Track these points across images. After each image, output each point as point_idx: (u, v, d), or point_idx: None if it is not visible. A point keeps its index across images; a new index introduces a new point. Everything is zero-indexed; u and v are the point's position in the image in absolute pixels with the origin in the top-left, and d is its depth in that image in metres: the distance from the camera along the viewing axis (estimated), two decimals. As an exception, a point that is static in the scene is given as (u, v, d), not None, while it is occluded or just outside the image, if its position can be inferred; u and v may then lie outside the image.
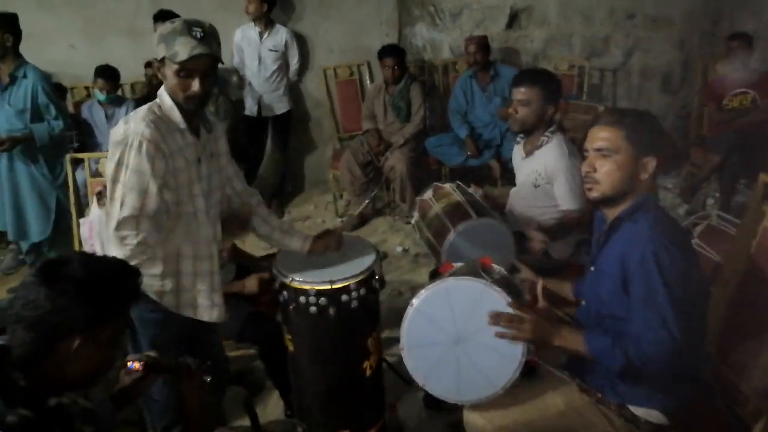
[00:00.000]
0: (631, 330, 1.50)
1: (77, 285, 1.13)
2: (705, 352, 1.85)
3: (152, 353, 1.40)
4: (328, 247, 2.11)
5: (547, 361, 1.68)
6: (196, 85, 1.70)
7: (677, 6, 4.66)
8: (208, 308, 1.88)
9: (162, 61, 1.71)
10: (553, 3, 4.71)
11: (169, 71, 1.70)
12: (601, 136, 1.62)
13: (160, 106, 1.76)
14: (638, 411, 1.62)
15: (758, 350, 1.71)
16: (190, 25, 1.67)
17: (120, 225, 1.69)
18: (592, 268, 1.74)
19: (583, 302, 1.80)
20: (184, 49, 1.65)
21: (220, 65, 1.78)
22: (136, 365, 1.35)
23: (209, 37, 1.70)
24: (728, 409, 1.80)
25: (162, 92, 1.77)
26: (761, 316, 1.72)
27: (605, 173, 1.60)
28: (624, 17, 4.72)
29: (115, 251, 1.70)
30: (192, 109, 1.76)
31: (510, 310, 1.57)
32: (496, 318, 1.56)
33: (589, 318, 1.73)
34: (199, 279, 1.85)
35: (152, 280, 1.77)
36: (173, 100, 1.74)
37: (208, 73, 1.72)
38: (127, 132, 1.68)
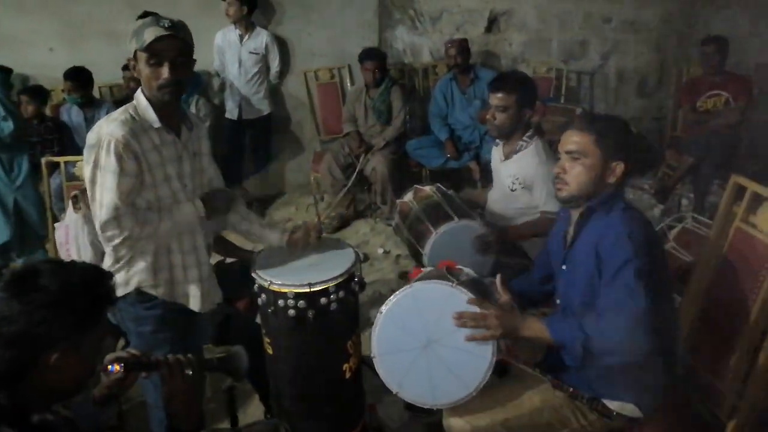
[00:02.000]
0: (600, 305, 1.52)
1: (52, 296, 1.10)
2: (679, 350, 1.89)
3: (130, 352, 1.39)
4: (307, 239, 2.11)
5: (520, 359, 1.69)
6: (165, 72, 1.70)
7: (653, 10, 4.75)
8: (199, 298, 1.91)
9: (135, 56, 1.74)
10: (531, 8, 4.78)
11: (142, 63, 1.72)
12: (572, 140, 1.67)
13: (135, 107, 1.79)
14: (612, 405, 1.65)
15: (731, 349, 1.74)
16: (158, 18, 1.72)
17: (103, 226, 1.72)
18: (564, 267, 1.77)
19: (558, 302, 1.82)
20: (151, 34, 1.68)
21: (201, 68, 1.79)
22: (116, 367, 1.34)
23: (178, 26, 1.73)
24: (704, 407, 1.84)
25: (138, 93, 1.80)
26: (733, 316, 1.76)
27: (574, 175, 1.65)
28: (601, 21, 4.80)
29: (90, 256, 1.70)
30: (166, 101, 1.76)
31: (472, 308, 1.58)
32: (460, 318, 1.57)
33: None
34: (189, 270, 1.89)
35: (144, 275, 1.82)
36: (148, 98, 1.77)
37: (178, 61, 1.73)
38: (100, 134, 1.71)
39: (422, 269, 2.05)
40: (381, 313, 1.69)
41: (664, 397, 1.69)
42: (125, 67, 4.12)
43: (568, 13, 4.79)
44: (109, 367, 1.33)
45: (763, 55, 4.83)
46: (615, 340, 1.45)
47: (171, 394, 1.37)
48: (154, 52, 1.69)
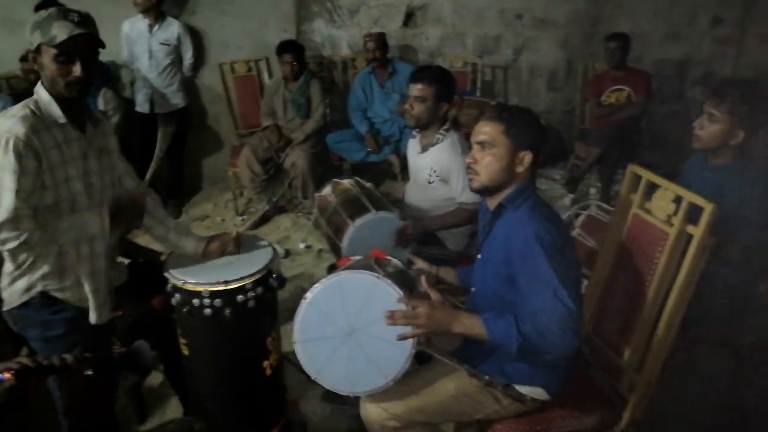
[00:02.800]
0: (526, 308, 1.54)
1: None
2: (584, 331, 2.00)
3: (21, 359, 1.31)
4: (224, 248, 2.06)
5: (437, 349, 1.73)
6: (78, 69, 1.64)
7: (561, 8, 4.96)
8: (93, 310, 1.83)
9: (38, 50, 1.65)
10: (447, 3, 4.86)
11: (47, 58, 1.64)
12: (482, 131, 1.71)
13: (36, 102, 1.69)
14: (524, 389, 1.73)
15: (630, 328, 1.85)
16: (65, 11, 1.65)
17: (0, 228, 1.61)
18: (480, 256, 1.83)
19: (473, 289, 1.88)
20: (62, 31, 1.60)
21: (108, 59, 1.72)
22: (6, 375, 1.26)
23: (86, 20, 1.67)
24: (606, 383, 1.95)
25: (39, 88, 1.71)
26: (632, 296, 1.87)
27: (485, 165, 1.70)
28: (513, 17, 4.95)
29: None
30: (74, 97, 1.69)
31: (401, 306, 1.59)
32: (392, 317, 1.56)
33: (479, 305, 1.81)
34: (85, 280, 1.80)
35: (49, 278, 1.74)
36: (51, 93, 1.68)
37: (90, 57, 1.67)
38: None
39: (351, 259, 2.05)
40: (305, 299, 1.69)
41: (570, 378, 1.79)
42: (23, 58, 3.86)
43: (483, 9, 4.91)
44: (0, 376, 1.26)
45: (660, 50, 5.16)
46: (548, 340, 1.47)
47: (72, 399, 1.30)
48: (65, 49, 1.62)
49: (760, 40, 5.16)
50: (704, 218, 1.65)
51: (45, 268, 1.73)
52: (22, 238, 1.62)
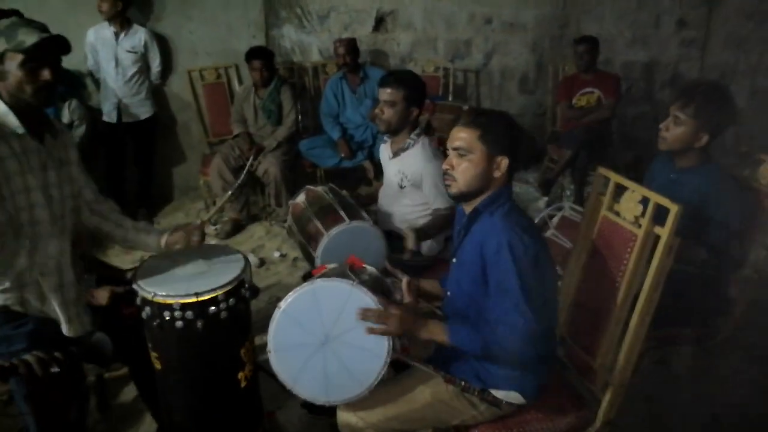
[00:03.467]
0: (489, 317, 1.59)
1: None
2: (558, 334, 2.01)
3: None
4: (188, 239, 2.00)
5: (413, 357, 1.73)
6: (47, 74, 1.63)
7: (529, 12, 5.02)
8: (65, 323, 1.80)
9: (0, 59, 1.61)
10: (417, 8, 4.89)
11: (13, 65, 1.61)
12: (458, 137, 1.71)
13: None
14: (499, 394, 1.73)
15: (602, 329, 1.87)
16: (27, 20, 1.65)
17: None
18: (455, 260, 1.83)
19: (448, 293, 1.88)
20: (30, 36, 1.59)
21: (74, 68, 1.71)
22: None
23: (47, 29, 1.66)
24: (581, 385, 1.96)
25: None
26: (603, 297, 1.88)
27: (462, 171, 1.69)
28: (483, 22, 5.00)
29: None
30: (41, 103, 1.68)
31: (378, 307, 1.61)
32: (364, 314, 1.60)
33: (454, 308, 1.81)
34: (51, 295, 1.77)
35: (8, 294, 1.71)
36: (10, 102, 1.65)
37: (56, 62, 1.67)
38: None
39: (326, 266, 2.03)
40: (279, 308, 1.67)
41: (546, 382, 1.80)
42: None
43: (453, 14, 4.95)
44: None
45: (628, 53, 5.26)
46: (508, 350, 1.55)
47: (37, 398, 1.27)
48: (34, 54, 1.60)
49: (724, 41, 5.30)
50: (670, 219, 1.68)
51: (4, 284, 1.70)
52: None
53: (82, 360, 1.48)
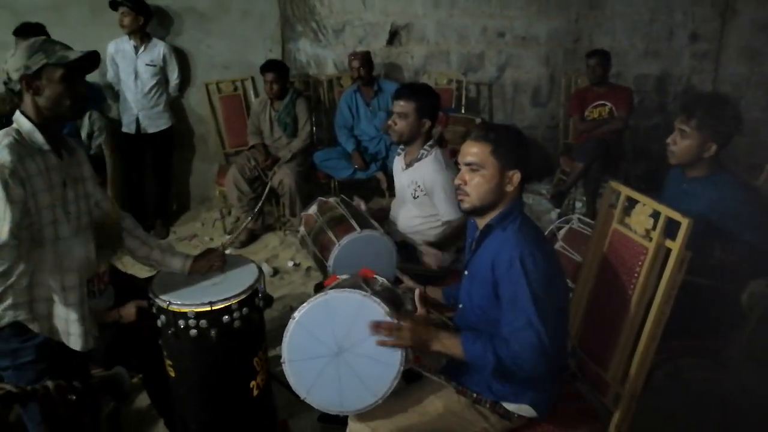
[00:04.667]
0: (501, 332, 1.60)
1: None
2: (569, 346, 2.01)
3: (5, 385, 1.30)
4: (212, 266, 2.08)
5: (425, 367, 1.74)
6: (82, 87, 1.72)
7: (542, 26, 5.05)
8: (80, 336, 1.81)
9: (37, 73, 1.66)
10: (431, 22, 4.93)
11: (53, 79, 1.67)
12: (470, 152, 1.72)
13: (18, 130, 1.69)
14: (511, 407, 1.73)
15: (613, 342, 1.87)
16: (53, 39, 1.74)
17: None
18: (466, 273, 1.84)
19: (460, 306, 1.89)
20: (71, 52, 1.68)
21: (94, 80, 1.78)
22: None
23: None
24: (593, 397, 1.96)
25: (18, 116, 1.71)
26: (614, 310, 1.89)
27: (474, 186, 1.71)
28: (496, 35, 5.03)
29: None
30: (76, 115, 1.77)
31: (389, 320, 1.62)
32: (376, 327, 1.60)
33: (466, 321, 1.83)
34: (71, 309, 1.78)
35: (18, 310, 1.71)
36: (32, 121, 1.69)
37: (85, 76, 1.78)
38: None
39: (338, 277, 2.06)
40: (293, 319, 1.69)
41: (557, 395, 1.80)
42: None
43: (466, 28, 4.99)
44: None
45: (639, 66, 5.26)
46: (521, 365, 1.55)
47: (52, 425, 1.30)
48: (74, 69, 1.68)
49: (737, 53, 5.29)
50: (681, 233, 1.68)
51: (15, 299, 1.71)
52: (2, 268, 1.62)
53: (101, 393, 1.50)
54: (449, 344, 1.62)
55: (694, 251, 1.73)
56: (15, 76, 1.68)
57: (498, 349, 1.56)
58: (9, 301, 1.70)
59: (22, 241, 1.64)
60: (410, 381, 1.87)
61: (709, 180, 2.17)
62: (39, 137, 1.69)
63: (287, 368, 1.69)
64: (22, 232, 1.64)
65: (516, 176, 1.70)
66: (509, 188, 1.71)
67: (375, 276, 1.95)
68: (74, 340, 1.80)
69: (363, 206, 2.76)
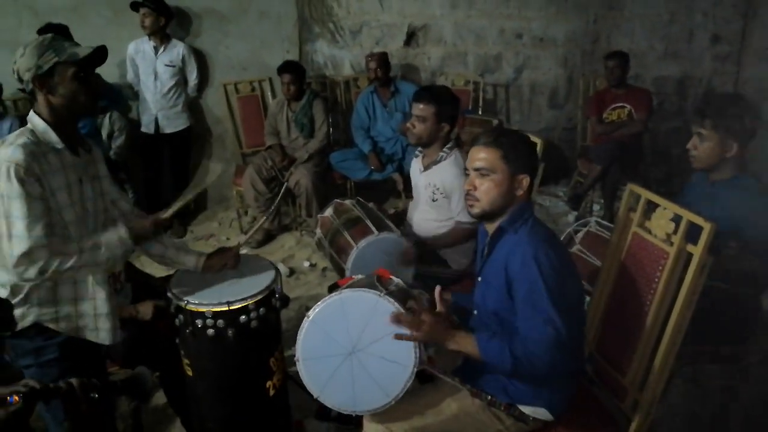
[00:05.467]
0: (518, 331, 1.59)
1: None
2: (586, 350, 2.00)
3: (29, 382, 1.32)
4: (225, 263, 2.09)
5: (439, 368, 1.73)
6: (95, 83, 1.74)
7: (560, 27, 5.01)
8: (109, 331, 1.84)
9: (49, 72, 1.67)
10: (448, 23, 4.92)
11: (65, 77, 1.68)
12: (479, 157, 1.72)
13: (32, 130, 1.71)
14: (526, 409, 1.72)
15: (632, 347, 1.85)
16: (61, 36, 1.74)
17: (18, 261, 1.61)
18: (479, 278, 1.84)
19: (475, 312, 1.89)
20: (81, 49, 1.68)
21: (114, 81, 1.78)
22: (15, 398, 1.27)
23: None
24: (610, 402, 1.94)
25: (32, 116, 1.73)
26: (633, 315, 1.87)
27: (484, 191, 1.71)
28: (513, 37, 5.01)
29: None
30: (90, 110, 1.77)
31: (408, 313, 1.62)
32: (396, 318, 1.60)
33: (482, 326, 1.82)
34: (101, 303, 1.80)
35: (44, 308, 1.74)
36: (46, 120, 1.70)
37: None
38: None
39: (353, 278, 2.06)
40: (308, 317, 1.70)
41: (574, 397, 1.79)
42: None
43: (483, 29, 4.97)
44: (8, 398, 1.27)
45: (659, 68, 5.20)
46: (541, 363, 1.54)
47: (75, 422, 1.31)
48: (86, 65, 1.70)
49: (759, 55, 5.20)
50: (703, 237, 1.66)
51: (40, 298, 1.73)
52: (38, 267, 1.62)
53: (122, 393, 1.52)
54: (464, 343, 1.62)
55: (715, 256, 1.71)
56: (27, 76, 1.68)
57: (514, 348, 1.55)
58: (35, 301, 1.73)
59: (53, 237, 1.65)
60: (423, 381, 1.86)
61: (732, 183, 2.14)
62: (53, 136, 1.70)
63: (301, 366, 1.70)
64: (48, 228, 1.65)
65: (525, 180, 1.71)
66: (519, 192, 1.71)
67: (390, 276, 1.95)
68: (103, 335, 1.83)
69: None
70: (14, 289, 1.72)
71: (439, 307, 1.77)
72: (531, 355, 1.54)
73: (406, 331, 1.60)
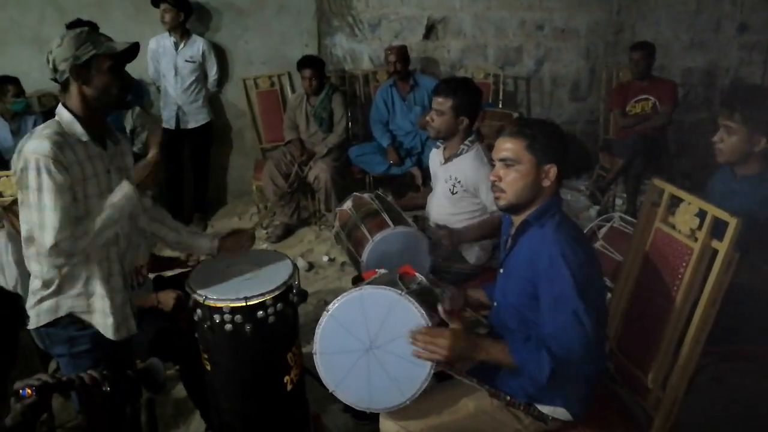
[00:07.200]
0: (546, 329, 1.55)
1: None
2: (607, 347, 1.96)
3: (41, 375, 1.33)
4: (239, 244, 2.11)
5: (457, 370, 1.71)
6: (127, 76, 1.79)
7: (582, 18, 4.93)
8: (112, 327, 1.83)
9: (86, 64, 1.69)
10: (467, 15, 4.87)
11: (101, 69, 1.71)
12: (504, 147, 1.68)
13: (58, 122, 1.73)
14: (545, 409, 1.70)
15: (655, 345, 1.81)
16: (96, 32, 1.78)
17: (51, 251, 1.63)
18: (501, 271, 1.81)
19: (495, 303, 1.86)
20: (118, 44, 1.72)
21: (136, 76, 1.80)
22: (28, 392, 1.28)
23: None
24: (632, 401, 1.91)
25: (60, 109, 1.75)
26: (656, 312, 1.83)
27: (510, 182, 1.67)
28: (534, 28, 4.94)
29: (15, 276, 1.63)
30: (121, 102, 1.80)
31: (424, 323, 1.58)
32: (414, 338, 1.56)
33: (500, 319, 1.80)
34: (111, 294, 1.82)
35: (76, 300, 1.77)
36: (72, 112, 1.73)
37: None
38: (25, 155, 1.64)
39: (377, 271, 2.04)
40: (327, 312, 1.70)
41: (594, 396, 1.76)
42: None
43: (504, 21, 4.92)
44: (21, 392, 1.28)
45: (685, 59, 5.09)
46: (576, 363, 1.50)
47: (89, 414, 1.33)
48: (121, 59, 1.73)
49: (789, 45, 5.07)
50: (729, 233, 1.62)
51: (73, 291, 1.76)
52: (73, 253, 1.66)
53: (137, 384, 1.53)
54: (495, 352, 1.56)
55: (742, 252, 1.66)
56: (63, 66, 1.69)
57: (549, 347, 1.50)
58: (68, 293, 1.76)
59: (80, 227, 1.67)
60: (441, 379, 1.84)
61: (760, 177, 2.08)
62: (78, 128, 1.72)
63: (318, 360, 1.69)
64: (75, 219, 1.67)
65: (552, 170, 1.65)
66: (546, 183, 1.66)
67: (415, 274, 1.93)
68: (108, 331, 1.84)
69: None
70: (46, 282, 1.75)
71: (455, 324, 1.64)
72: (565, 353, 1.48)
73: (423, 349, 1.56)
